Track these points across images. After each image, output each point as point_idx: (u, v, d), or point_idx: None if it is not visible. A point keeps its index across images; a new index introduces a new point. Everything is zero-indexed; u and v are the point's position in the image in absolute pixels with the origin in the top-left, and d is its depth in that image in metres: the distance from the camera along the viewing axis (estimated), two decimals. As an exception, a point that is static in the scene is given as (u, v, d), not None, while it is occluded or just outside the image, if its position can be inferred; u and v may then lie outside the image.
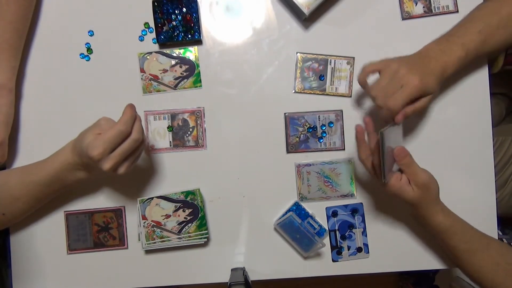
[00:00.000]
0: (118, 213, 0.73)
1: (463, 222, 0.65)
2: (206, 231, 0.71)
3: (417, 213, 0.65)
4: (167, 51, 0.72)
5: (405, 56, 0.64)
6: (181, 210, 0.71)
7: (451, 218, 0.64)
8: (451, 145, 0.73)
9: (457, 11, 0.72)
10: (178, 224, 0.71)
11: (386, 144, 0.59)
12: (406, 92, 0.59)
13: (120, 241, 0.73)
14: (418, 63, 0.62)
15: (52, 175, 0.63)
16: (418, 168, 0.61)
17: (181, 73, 0.73)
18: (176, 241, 0.71)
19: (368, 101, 0.73)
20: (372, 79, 0.64)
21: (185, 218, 0.71)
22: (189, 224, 0.71)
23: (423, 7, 0.72)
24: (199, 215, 0.71)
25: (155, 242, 0.70)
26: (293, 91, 0.73)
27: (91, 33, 0.72)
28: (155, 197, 0.71)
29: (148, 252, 0.73)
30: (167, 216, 0.71)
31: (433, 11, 0.72)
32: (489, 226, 0.72)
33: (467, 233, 0.65)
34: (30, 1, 0.68)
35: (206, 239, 0.71)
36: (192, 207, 0.71)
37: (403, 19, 0.73)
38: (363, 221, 0.74)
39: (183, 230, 0.71)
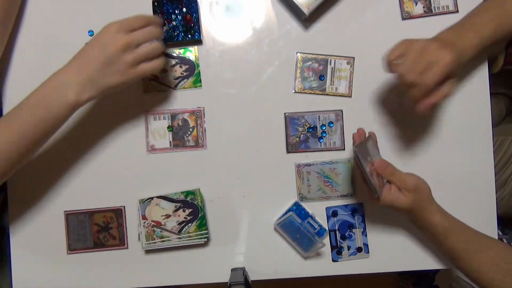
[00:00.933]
0: (118, 213, 0.73)
1: (460, 223, 0.65)
2: (206, 231, 0.71)
3: (414, 217, 0.65)
4: (167, 51, 0.72)
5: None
6: (181, 210, 0.71)
7: (448, 218, 0.64)
8: (451, 145, 0.73)
9: (457, 11, 0.72)
10: (178, 224, 0.71)
11: (363, 160, 0.59)
12: (441, 67, 0.55)
13: (120, 241, 0.73)
14: (444, 42, 0.59)
15: (36, 99, 0.58)
16: (403, 174, 0.62)
17: (181, 73, 0.73)
18: (176, 241, 0.71)
19: (368, 101, 0.73)
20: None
21: (185, 218, 0.71)
22: (189, 224, 0.71)
23: (423, 7, 0.72)
24: (199, 215, 0.71)
25: (155, 242, 0.70)
26: (293, 91, 0.73)
27: (91, 33, 0.72)
28: (155, 197, 0.71)
29: (148, 252, 0.73)
30: (167, 216, 0.71)
31: (433, 11, 0.72)
32: (489, 226, 0.72)
33: (465, 233, 0.65)
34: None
35: (206, 239, 0.71)
36: (192, 207, 0.71)
37: (403, 19, 0.73)
38: (363, 221, 0.74)
39: (183, 230, 0.71)
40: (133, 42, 0.58)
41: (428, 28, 0.71)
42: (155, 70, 0.61)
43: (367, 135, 0.65)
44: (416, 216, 0.64)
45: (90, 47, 0.59)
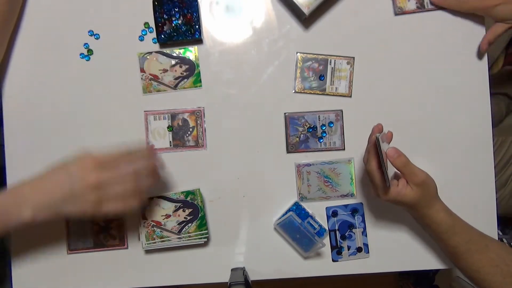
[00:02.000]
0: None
1: (463, 222, 0.65)
2: (206, 231, 0.71)
3: (418, 213, 0.65)
4: (167, 51, 0.72)
5: None
6: (181, 210, 0.71)
7: (452, 217, 0.64)
8: (451, 145, 0.73)
9: (451, 7, 0.72)
10: (178, 224, 0.71)
11: (382, 149, 0.59)
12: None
13: (120, 241, 0.73)
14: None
15: None
16: (415, 167, 0.61)
17: (181, 73, 0.73)
18: (176, 241, 0.71)
19: (368, 101, 0.73)
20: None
21: (185, 218, 0.71)
22: (189, 224, 0.71)
23: (416, 2, 0.72)
24: (199, 215, 0.71)
25: (155, 242, 0.70)
26: (293, 91, 0.73)
27: (91, 33, 0.72)
28: (155, 197, 0.71)
29: (148, 252, 0.73)
30: (167, 216, 0.71)
31: (426, 7, 0.72)
32: (489, 226, 0.72)
33: (468, 233, 0.65)
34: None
35: (206, 239, 0.71)
36: (192, 207, 0.71)
37: (396, 14, 0.72)
38: (363, 221, 0.74)
39: (183, 230, 0.71)
40: (104, 184, 0.56)
41: (421, 23, 0.71)
42: (118, 213, 0.59)
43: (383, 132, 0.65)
44: (420, 213, 0.64)
45: (59, 173, 0.57)
